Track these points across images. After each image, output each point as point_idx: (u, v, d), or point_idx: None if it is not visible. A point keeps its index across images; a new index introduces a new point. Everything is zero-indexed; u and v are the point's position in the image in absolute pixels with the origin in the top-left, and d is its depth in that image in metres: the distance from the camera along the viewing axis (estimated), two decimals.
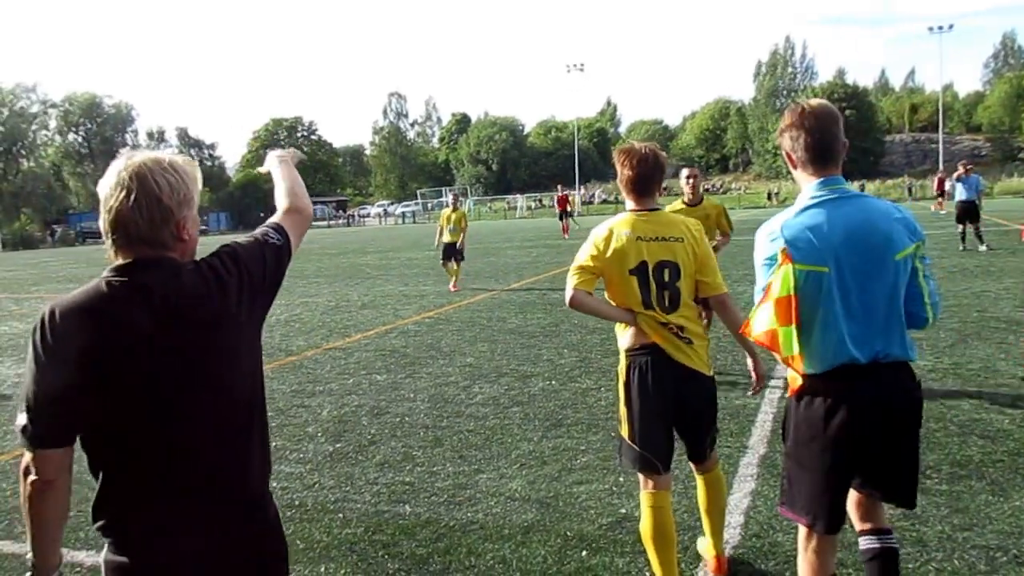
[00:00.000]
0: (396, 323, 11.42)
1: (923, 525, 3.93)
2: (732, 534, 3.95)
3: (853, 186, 2.63)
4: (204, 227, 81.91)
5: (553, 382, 7.28)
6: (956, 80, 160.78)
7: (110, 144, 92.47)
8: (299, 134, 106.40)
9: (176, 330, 1.80)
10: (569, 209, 33.89)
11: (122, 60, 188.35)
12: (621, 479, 4.75)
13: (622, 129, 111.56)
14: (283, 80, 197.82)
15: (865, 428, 2.54)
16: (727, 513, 4.14)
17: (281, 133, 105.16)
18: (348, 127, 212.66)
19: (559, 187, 36.61)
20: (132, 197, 1.79)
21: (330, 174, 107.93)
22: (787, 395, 2.76)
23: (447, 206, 15.88)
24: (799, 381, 2.64)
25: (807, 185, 2.65)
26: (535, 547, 3.92)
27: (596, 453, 5.26)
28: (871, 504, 2.80)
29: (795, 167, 2.69)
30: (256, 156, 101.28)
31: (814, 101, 2.66)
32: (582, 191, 79.12)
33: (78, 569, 3.88)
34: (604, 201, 79.12)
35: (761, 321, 2.59)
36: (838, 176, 2.63)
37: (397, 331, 10.70)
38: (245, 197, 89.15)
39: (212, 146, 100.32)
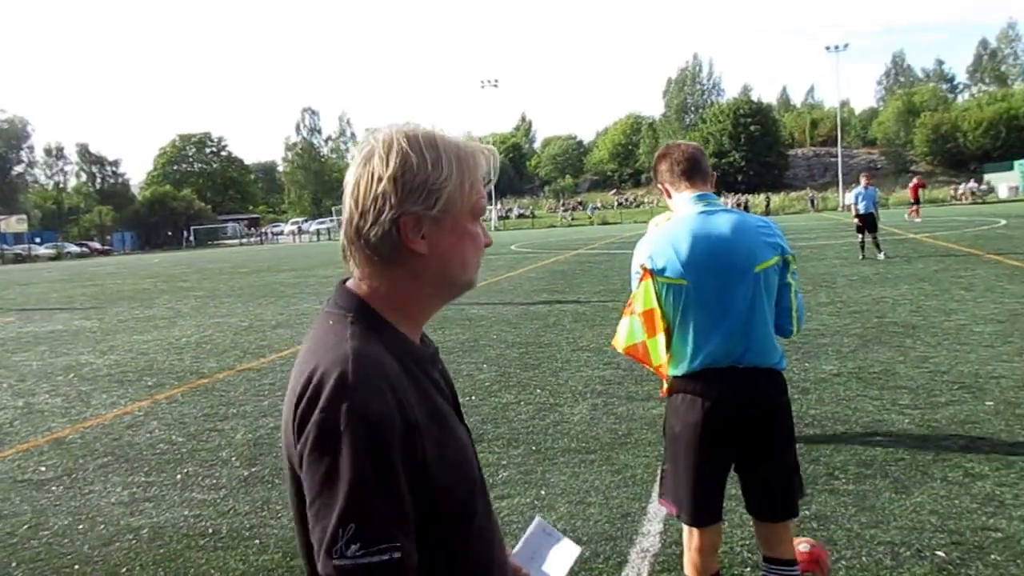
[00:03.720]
0: None
1: (832, 524, 4.07)
2: (652, 542, 4.01)
3: (728, 202, 2.87)
4: (109, 247, 78.50)
5: (472, 397, 7.25)
6: (852, 97, 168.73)
7: (3, 161, 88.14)
8: (208, 150, 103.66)
9: None
10: None
11: (15, 72, 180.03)
12: (543, 492, 4.76)
13: (536, 145, 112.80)
14: (191, 94, 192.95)
15: (719, 425, 2.70)
16: (646, 521, 4.24)
17: (189, 149, 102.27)
18: (260, 143, 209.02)
19: None
20: (354, 171, 1.24)
21: (241, 191, 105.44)
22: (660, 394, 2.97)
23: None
24: (666, 383, 2.86)
25: (681, 200, 2.85)
26: None
27: (517, 467, 5.26)
28: (768, 532, 2.85)
29: (669, 195, 2.93)
30: (162, 173, 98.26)
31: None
32: (498, 206, 79.47)
33: None
34: (520, 216, 79.66)
35: (625, 335, 2.82)
36: (709, 192, 2.86)
37: None
38: (152, 215, 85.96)
39: (115, 163, 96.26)
